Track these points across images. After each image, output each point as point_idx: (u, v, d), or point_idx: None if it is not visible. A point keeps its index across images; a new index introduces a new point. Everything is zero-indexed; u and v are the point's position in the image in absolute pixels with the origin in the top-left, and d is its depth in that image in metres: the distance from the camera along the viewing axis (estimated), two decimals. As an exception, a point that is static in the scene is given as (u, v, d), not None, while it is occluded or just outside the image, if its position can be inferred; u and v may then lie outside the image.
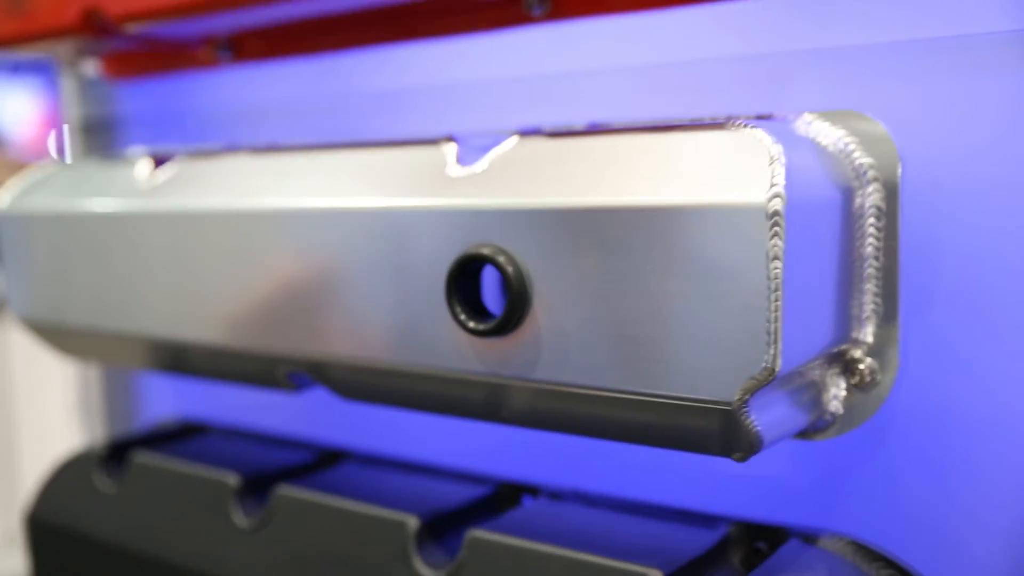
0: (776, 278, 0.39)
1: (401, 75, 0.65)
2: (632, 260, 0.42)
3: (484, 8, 0.56)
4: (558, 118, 0.55)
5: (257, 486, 0.63)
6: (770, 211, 0.39)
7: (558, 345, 0.45)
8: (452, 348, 0.48)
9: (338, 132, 0.67)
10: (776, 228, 0.39)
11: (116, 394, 0.86)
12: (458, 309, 0.47)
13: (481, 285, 0.48)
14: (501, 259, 0.46)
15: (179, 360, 0.64)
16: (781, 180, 0.39)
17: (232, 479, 0.63)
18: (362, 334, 0.52)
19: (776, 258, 0.39)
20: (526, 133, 0.48)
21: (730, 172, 0.41)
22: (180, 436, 0.75)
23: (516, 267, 0.46)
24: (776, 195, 0.39)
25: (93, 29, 0.63)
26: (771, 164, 0.40)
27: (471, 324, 0.47)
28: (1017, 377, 0.45)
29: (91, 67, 0.79)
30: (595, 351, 0.44)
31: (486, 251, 0.46)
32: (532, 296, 0.45)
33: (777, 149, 0.40)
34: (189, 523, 0.64)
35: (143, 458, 0.69)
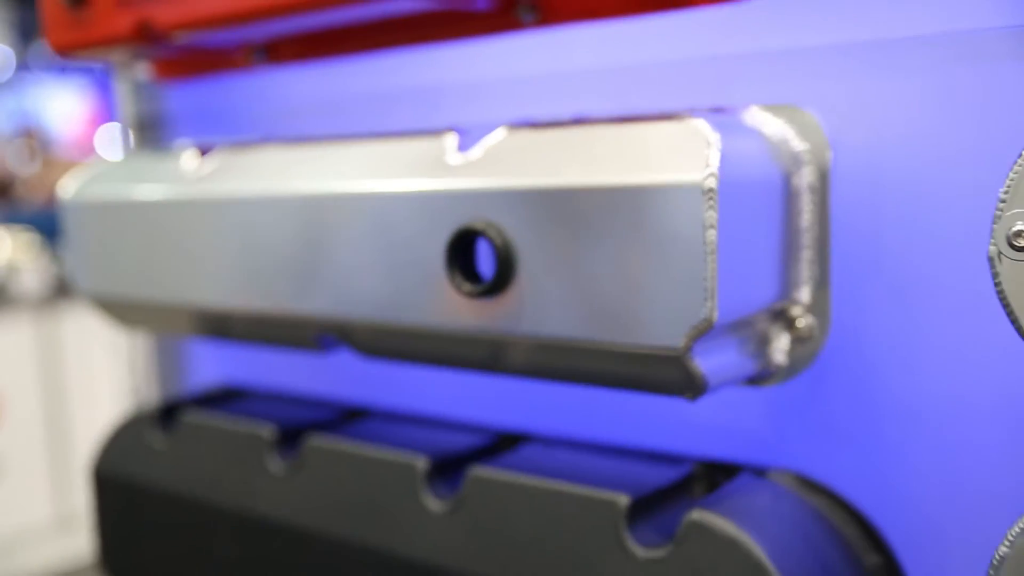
0: (711, 243, 0.47)
1: (413, 76, 0.74)
2: (597, 231, 0.51)
3: (484, 18, 0.65)
4: (549, 112, 0.64)
5: (290, 438, 0.73)
6: (705, 188, 0.47)
7: (538, 304, 0.54)
8: (451, 309, 0.57)
9: (359, 126, 0.76)
10: (711, 202, 0.47)
11: (164, 363, 0.95)
12: (456, 276, 0.56)
13: (476, 255, 0.57)
14: (491, 232, 0.55)
15: (224, 326, 0.73)
16: (716, 162, 0.48)
17: (267, 432, 0.72)
18: (375, 299, 0.61)
19: (711, 226, 0.47)
20: (514, 125, 0.57)
21: (676, 156, 0.49)
22: (223, 399, 0.84)
23: (504, 239, 0.54)
24: (711, 175, 0.47)
25: (144, 38, 0.72)
26: (708, 149, 0.48)
27: (466, 287, 0.56)
28: (928, 323, 0.53)
29: (143, 70, 0.89)
30: (568, 308, 0.53)
31: (479, 226, 0.55)
32: (517, 263, 0.54)
33: (715, 137, 0.49)
34: (231, 472, 0.74)
35: (191, 417, 0.78)
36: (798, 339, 0.55)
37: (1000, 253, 0.42)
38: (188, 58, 0.83)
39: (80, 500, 3.54)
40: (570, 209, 0.52)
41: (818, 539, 0.54)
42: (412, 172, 0.59)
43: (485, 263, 0.57)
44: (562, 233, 0.53)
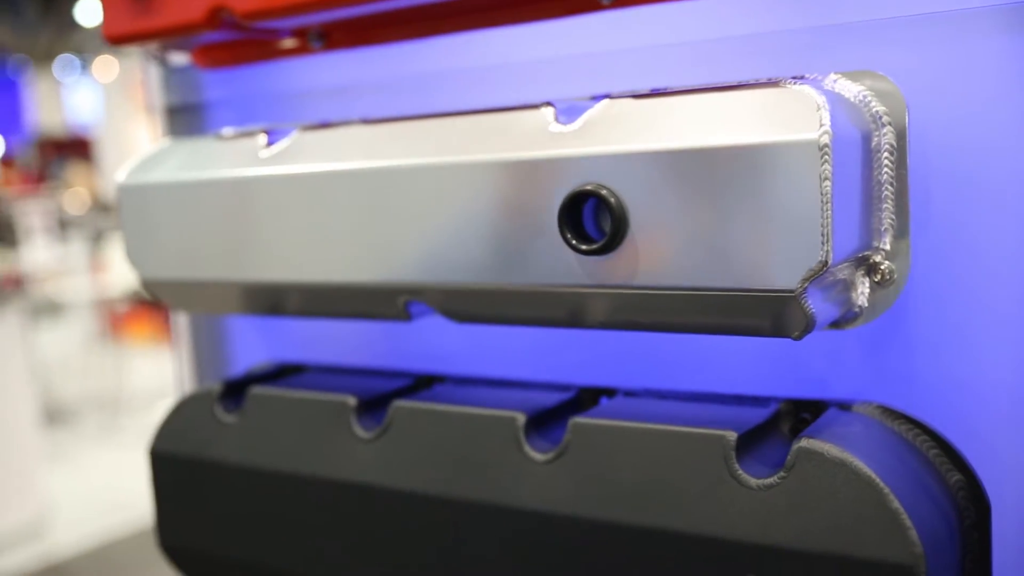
0: (827, 193, 0.55)
1: (478, 56, 0.80)
2: (712, 188, 0.58)
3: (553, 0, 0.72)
4: (623, 87, 0.71)
5: (372, 405, 0.78)
6: (821, 144, 0.55)
7: (653, 258, 0.61)
8: (566, 267, 0.63)
9: (420, 109, 0.81)
10: (826, 157, 0.55)
11: (209, 346, 0.99)
12: (569, 235, 0.63)
13: (583, 217, 0.63)
14: (604, 192, 0.61)
15: (306, 302, 0.78)
16: (828, 122, 0.55)
17: (351, 399, 0.77)
18: (481, 263, 0.67)
19: (827, 179, 0.55)
20: (615, 96, 0.64)
21: (788, 118, 0.57)
22: (283, 374, 0.89)
23: (617, 198, 0.61)
24: (825, 132, 0.55)
25: (219, 25, 0.77)
26: (818, 111, 0.56)
27: (583, 246, 0.62)
28: (996, 270, 0.62)
29: (180, 57, 0.93)
30: (685, 259, 0.60)
31: (591, 187, 0.62)
32: (630, 221, 0.61)
33: (822, 99, 0.56)
34: (313, 441, 0.79)
35: (260, 391, 0.83)
36: (880, 283, 0.63)
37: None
38: (236, 44, 0.88)
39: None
40: (683, 169, 0.59)
41: (909, 460, 0.62)
42: (519, 142, 0.65)
43: (589, 226, 0.63)
44: (675, 192, 0.59)
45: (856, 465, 0.58)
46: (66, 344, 6.60)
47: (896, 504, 0.57)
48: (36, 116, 13.39)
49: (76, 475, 4.52)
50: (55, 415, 5.37)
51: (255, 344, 0.99)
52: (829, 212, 0.55)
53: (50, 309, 6.42)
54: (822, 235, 0.55)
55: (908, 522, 0.56)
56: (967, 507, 0.63)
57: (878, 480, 0.57)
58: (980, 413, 0.63)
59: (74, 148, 10.31)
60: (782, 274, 0.57)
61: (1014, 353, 0.62)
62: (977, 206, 0.62)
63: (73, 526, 3.98)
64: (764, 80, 0.60)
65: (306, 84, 0.92)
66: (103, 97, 11.65)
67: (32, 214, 6.50)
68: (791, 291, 0.57)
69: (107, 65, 11.46)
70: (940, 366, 0.64)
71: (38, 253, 6.31)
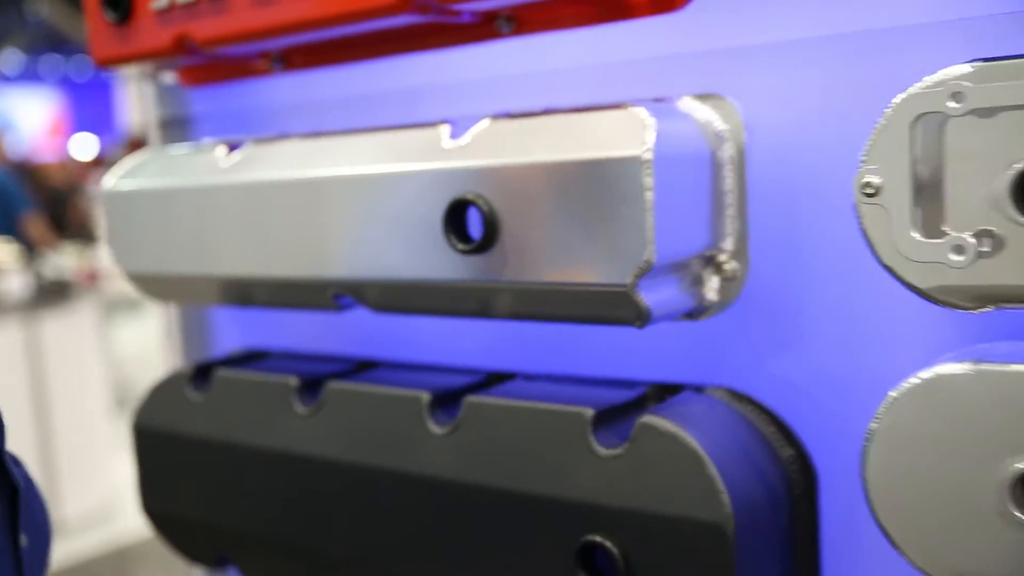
0: (648, 202, 0.65)
1: (408, 78, 0.91)
2: (562, 196, 0.68)
3: (468, 28, 0.82)
4: (524, 104, 0.81)
5: (312, 386, 0.89)
6: (644, 160, 0.65)
7: (518, 257, 0.71)
8: (448, 266, 0.74)
9: (359, 122, 0.92)
10: (648, 171, 0.65)
11: (189, 336, 1.12)
12: (452, 237, 0.73)
13: (467, 221, 0.74)
14: (480, 202, 0.72)
15: (253, 294, 0.90)
16: (652, 140, 0.65)
17: (292, 381, 0.89)
18: (384, 262, 0.78)
19: (648, 189, 0.65)
20: (495, 116, 0.74)
21: (623, 136, 0.66)
22: (248, 359, 1.01)
23: (489, 206, 0.71)
24: (648, 149, 0.65)
25: (182, 50, 0.89)
26: (644, 130, 0.65)
27: (461, 246, 0.73)
28: (824, 263, 0.70)
29: (168, 76, 1.05)
30: (541, 259, 0.70)
31: (470, 196, 0.72)
32: (500, 225, 0.71)
33: (651, 120, 0.66)
34: (261, 417, 0.91)
35: (223, 374, 0.95)
36: (725, 280, 0.73)
37: (858, 201, 0.60)
38: (212, 66, 1.00)
39: (70, 506, 3.71)
40: (540, 180, 0.69)
41: (743, 436, 0.71)
42: (414, 156, 0.76)
43: (473, 228, 0.74)
44: (534, 200, 0.70)
45: (683, 437, 0.68)
46: (144, 339, 6.89)
47: (712, 471, 0.66)
48: (128, 117, 13.89)
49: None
50: (128, 405, 5.64)
51: (236, 332, 1.11)
52: (651, 218, 0.65)
53: (127, 305, 6.70)
54: (645, 238, 0.65)
55: (721, 487, 0.66)
56: (798, 478, 0.72)
57: (699, 450, 0.67)
58: (810, 396, 0.72)
59: (158, 148, 10.67)
60: (617, 272, 0.67)
61: (839, 343, 0.71)
62: (805, 212, 0.71)
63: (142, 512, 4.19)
64: (612, 103, 0.70)
65: (279, 100, 1.04)
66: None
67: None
68: (623, 286, 0.67)
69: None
70: (778, 354, 0.73)
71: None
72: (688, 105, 0.72)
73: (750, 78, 0.72)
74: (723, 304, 0.74)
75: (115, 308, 6.22)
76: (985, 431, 0.58)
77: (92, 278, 4.86)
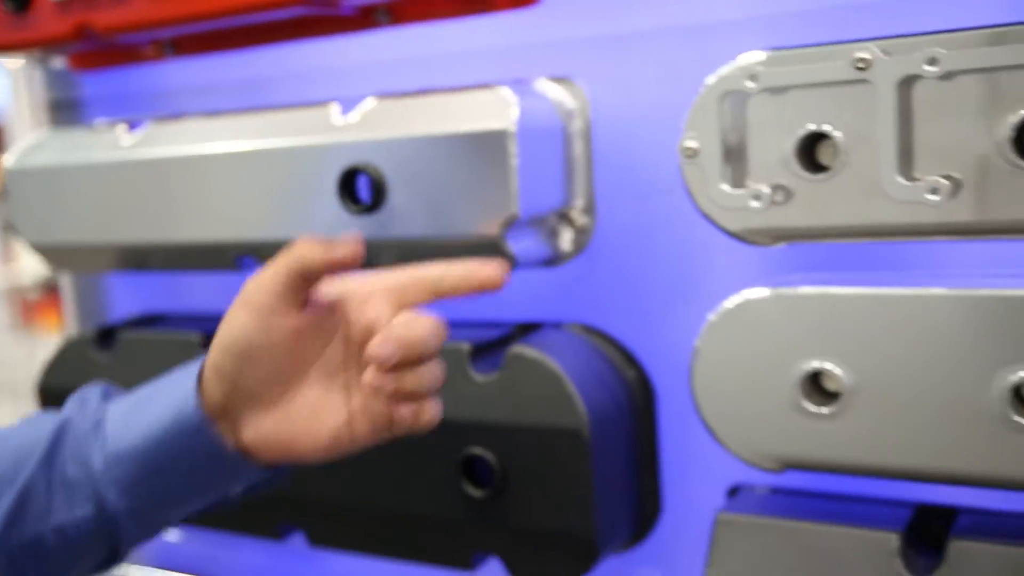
0: (513, 167, 0.79)
1: (294, 63, 1.03)
2: (441, 164, 0.82)
3: (350, 19, 0.95)
4: (402, 87, 0.94)
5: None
6: (509, 132, 0.79)
7: (402, 215, 0.84)
8: (343, 225, 0.87)
9: (251, 103, 1.04)
10: (512, 140, 0.79)
11: (86, 300, 1.21)
12: (346, 200, 0.86)
13: (357, 187, 0.87)
14: (369, 169, 0.85)
15: (159, 258, 1.00)
16: (515, 116, 0.79)
17: (195, 337, 1.00)
18: (287, 223, 0.90)
19: (513, 155, 0.79)
20: (380, 95, 0.87)
21: (491, 112, 0.80)
22: (147, 323, 1.11)
23: (378, 173, 0.84)
24: (512, 123, 0.79)
25: (83, 38, 0.98)
26: (509, 107, 0.80)
27: (353, 208, 0.85)
28: (661, 218, 0.86)
29: (59, 60, 1.14)
30: (425, 216, 0.83)
31: (360, 165, 0.85)
32: (388, 189, 0.84)
33: (515, 99, 0.80)
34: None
35: (127, 335, 1.05)
36: (577, 232, 0.88)
37: (681, 162, 0.75)
38: (105, 51, 1.09)
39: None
40: (422, 150, 0.83)
41: (594, 361, 0.87)
42: (310, 131, 0.89)
43: (363, 192, 0.87)
44: (417, 166, 0.83)
45: (546, 362, 0.82)
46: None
47: (571, 388, 0.81)
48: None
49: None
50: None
51: (129, 302, 1.21)
52: (515, 180, 0.79)
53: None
54: (511, 196, 0.79)
55: (579, 400, 0.81)
56: (640, 395, 0.88)
57: (560, 371, 0.82)
58: (649, 326, 0.88)
59: (-18, 136, 10.27)
60: (488, 225, 0.81)
61: (671, 281, 0.87)
62: (641, 174, 0.86)
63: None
64: (481, 85, 0.84)
65: (169, 84, 1.14)
66: (10, 83, 11.56)
67: (-60, 203, 6.54)
68: (493, 237, 0.81)
69: (15, 50, 11.37)
70: (622, 293, 0.89)
71: (-54, 242, 6.36)
72: (544, 87, 0.87)
73: (595, 64, 0.87)
74: (576, 252, 0.89)
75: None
76: (781, 342, 0.74)
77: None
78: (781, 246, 0.75)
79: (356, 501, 0.92)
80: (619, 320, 0.89)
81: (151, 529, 0.71)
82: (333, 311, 0.69)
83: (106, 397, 0.76)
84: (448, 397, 0.85)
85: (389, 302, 0.68)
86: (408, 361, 0.65)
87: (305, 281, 0.66)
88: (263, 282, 0.66)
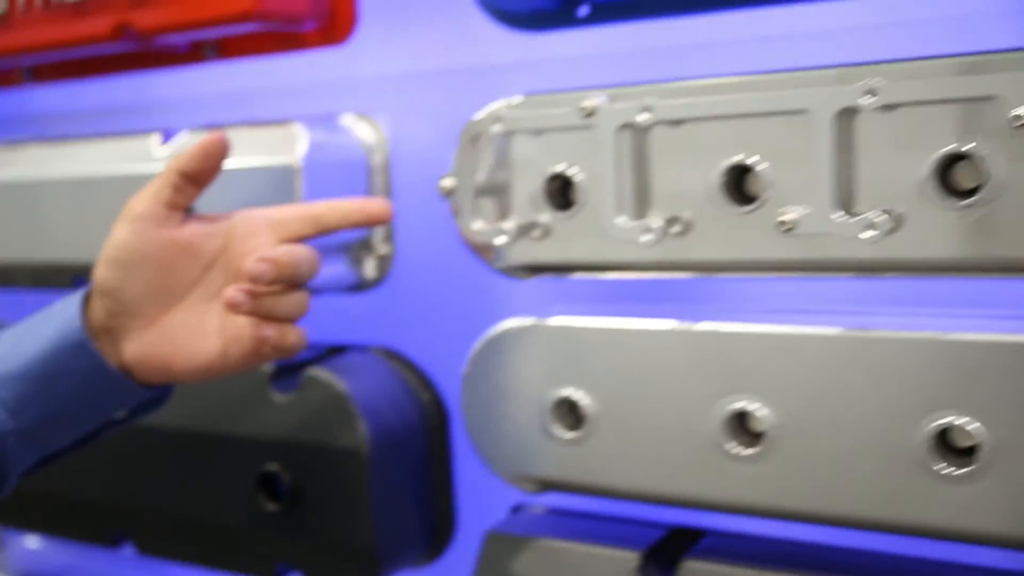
0: (299, 195, 0.84)
1: (138, 92, 1.09)
2: (240, 195, 0.87)
3: (180, 55, 1.00)
4: (226, 119, 0.99)
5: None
6: (296, 167, 0.84)
7: (208, 243, 0.89)
8: (155, 249, 0.92)
9: (107, 127, 1.09)
10: (298, 174, 0.84)
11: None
12: (157, 227, 0.91)
13: (171, 214, 0.92)
14: (177, 198, 0.90)
15: (10, 277, 1.06)
16: (303, 151, 0.84)
17: (41, 351, 1.05)
18: (109, 247, 0.95)
19: (299, 189, 0.84)
20: (194, 128, 0.92)
21: (280, 147, 0.86)
22: None
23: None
24: (299, 157, 0.84)
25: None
26: (297, 142, 0.85)
27: (163, 234, 0.90)
28: (448, 242, 0.91)
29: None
30: (224, 244, 0.88)
31: (170, 194, 0.90)
32: (194, 217, 0.89)
33: (304, 134, 0.86)
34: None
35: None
36: (379, 259, 0.93)
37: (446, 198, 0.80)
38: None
39: None
40: (220, 183, 0.88)
41: (388, 383, 0.92)
42: (132, 159, 0.94)
43: (178, 219, 0.92)
44: (214, 198, 0.88)
45: (334, 383, 0.88)
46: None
47: (354, 408, 0.86)
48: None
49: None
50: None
51: None
52: (302, 211, 0.84)
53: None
54: (298, 227, 0.84)
55: (361, 420, 0.86)
56: (434, 417, 0.93)
57: (346, 392, 0.87)
58: (443, 352, 0.93)
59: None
60: (279, 253, 0.86)
61: (462, 308, 0.92)
62: (433, 206, 0.91)
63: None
64: (282, 120, 0.89)
65: (35, 107, 1.20)
66: None
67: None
68: (284, 265, 0.86)
69: None
70: (420, 319, 0.94)
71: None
72: (348, 122, 0.92)
73: (395, 100, 0.92)
74: (379, 279, 0.94)
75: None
76: (536, 370, 0.79)
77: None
78: (535, 278, 0.79)
79: (172, 511, 0.97)
80: (418, 344, 0.94)
81: (38, 450, 0.72)
82: (215, 236, 0.73)
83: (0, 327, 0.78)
84: (248, 416, 0.91)
85: (272, 233, 0.72)
86: (280, 281, 0.69)
87: (187, 182, 0.71)
88: (143, 194, 0.71)
